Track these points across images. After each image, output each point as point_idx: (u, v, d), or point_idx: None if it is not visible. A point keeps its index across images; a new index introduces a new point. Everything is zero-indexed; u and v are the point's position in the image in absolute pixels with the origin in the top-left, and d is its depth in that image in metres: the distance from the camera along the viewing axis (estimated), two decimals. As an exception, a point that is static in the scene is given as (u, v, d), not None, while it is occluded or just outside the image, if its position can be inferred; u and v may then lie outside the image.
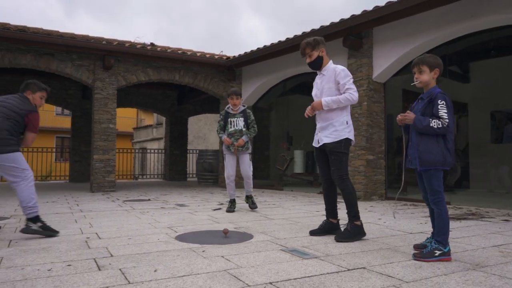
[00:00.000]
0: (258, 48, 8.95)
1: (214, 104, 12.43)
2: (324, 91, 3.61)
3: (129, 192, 8.83)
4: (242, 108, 5.44)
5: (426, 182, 2.88)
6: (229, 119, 5.38)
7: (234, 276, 2.34)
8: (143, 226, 4.14)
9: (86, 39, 8.72)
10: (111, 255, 2.87)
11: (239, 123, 5.31)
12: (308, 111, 3.62)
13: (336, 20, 7.20)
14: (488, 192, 8.33)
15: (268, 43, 8.71)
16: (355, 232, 3.42)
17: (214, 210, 5.57)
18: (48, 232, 3.58)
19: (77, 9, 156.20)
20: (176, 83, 10.13)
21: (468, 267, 2.56)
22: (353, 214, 3.49)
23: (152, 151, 17.78)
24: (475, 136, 9.75)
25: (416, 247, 3.00)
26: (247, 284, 2.20)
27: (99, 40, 8.85)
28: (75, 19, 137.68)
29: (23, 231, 3.52)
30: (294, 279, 2.29)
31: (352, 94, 3.51)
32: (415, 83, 3.01)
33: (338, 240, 3.38)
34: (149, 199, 7.10)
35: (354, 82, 7.18)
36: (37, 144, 23.32)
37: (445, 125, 2.76)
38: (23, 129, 3.64)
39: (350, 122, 3.61)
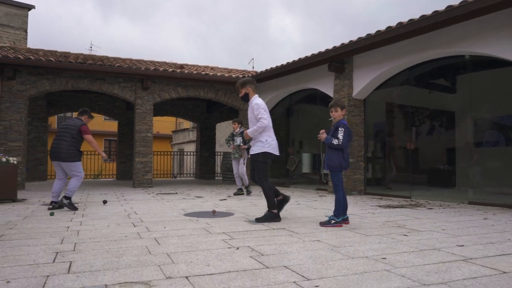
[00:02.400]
0: (266, 69, 10.81)
1: (238, 112, 14.37)
2: (249, 119, 5.08)
3: (163, 188, 10.95)
4: (241, 130, 8.45)
5: (331, 178, 4.64)
6: (233, 137, 8.48)
7: (206, 230, 4.22)
8: (165, 208, 6.13)
9: (129, 64, 10.93)
10: (142, 221, 4.84)
11: (238, 140, 8.49)
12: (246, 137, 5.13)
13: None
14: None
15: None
16: (270, 217, 4.74)
17: (221, 200, 7.49)
18: (71, 207, 5.88)
19: (113, 13, 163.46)
20: (202, 98, 12.17)
21: (346, 229, 4.29)
22: (270, 204, 4.81)
23: (187, 153, 20.04)
24: (460, 141, 11.04)
25: (328, 219, 4.73)
26: (210, 232, 4.07)
27: (139, 66, 11.02)
28: (111, 24, 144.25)
29: (60, 202, 5.90)
30: (238, 231, 4.14)
31: (262, 122, 4.78)
32: (331, 119, 4.75)
33: (257, 221, 4.72)
34: (176, 193, 9.15)
35: (339, 99, 8.85)
36: (90, 148, 26.20)
37: (340, 143, 4.50)
38: (82, 139, 6.05)
39: (270, 140, 4.83)
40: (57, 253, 3.15)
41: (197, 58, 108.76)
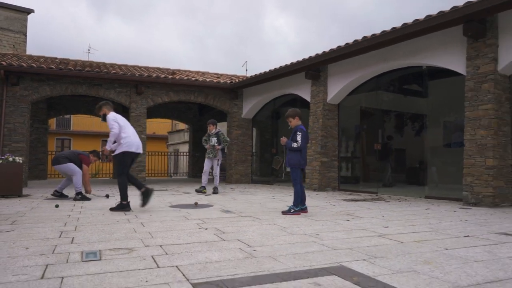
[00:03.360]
0: (251, 76, 11.68)
1: (226, 116, 15.21)
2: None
3: (156, 185, 11.76)
4: (216, 131, 8.87)
5: (291, 174, 5.48)
6: (209, 138, 8.86)
7: (185, 217, 5.06)
8: (154, 201, 6.96)
9: (124, 71, 11.76)
10: (132, 211, 5.68)
11: (212, 140, 8.79)
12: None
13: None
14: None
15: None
16: (120, 207, 5.67)
17: (206, 195, 8.33)
18: (85, 199, 7.13)
19: (107, 13, 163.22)
20: (192, 102, 13.01)
21: (302, 216, 5.13)
22: (121, 197, 5.74)
23: (182, 153, 20.84)
24: (431, 142, 11.91)
25: (290, 209, 5.57)
26: (188, 219, 4.91)
27: (133, 72, 11.85)
28: (106, 23, 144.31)
29: (74, 199, 7.08)
30: (212, 218, 4.98)
31: (112, 132, 5.61)
32: (290, 127, 5.58)
33: (110, 210, 5.65)
34: (167, 189, 9.98)
35: (314, 104, 9.71)
36: (88, 148, 26.86)
37: (298, 145, 5.34)
38: (80, 164, 7.30)
39: (124, 140, 5.62)
40: (62, 232, 3.98)
41: (193, 58, 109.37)
